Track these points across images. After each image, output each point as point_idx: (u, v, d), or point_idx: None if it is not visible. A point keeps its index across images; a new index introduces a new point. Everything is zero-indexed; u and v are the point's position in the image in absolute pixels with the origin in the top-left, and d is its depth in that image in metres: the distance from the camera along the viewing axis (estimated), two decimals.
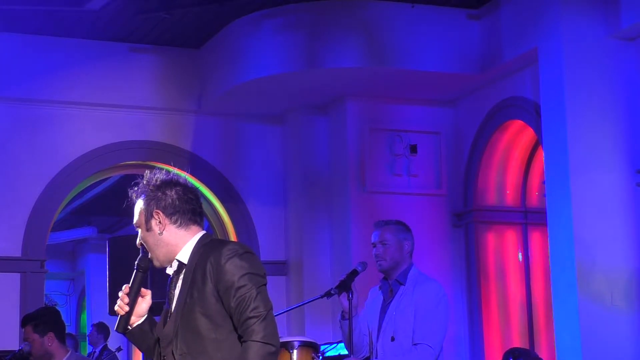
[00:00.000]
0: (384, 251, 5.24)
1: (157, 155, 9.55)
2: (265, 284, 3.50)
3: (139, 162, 9.58)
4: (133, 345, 11.84)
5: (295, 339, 5.22)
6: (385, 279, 5.33)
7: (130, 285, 3.58)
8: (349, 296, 5.09)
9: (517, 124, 8.97)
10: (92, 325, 12.16)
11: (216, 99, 9.35)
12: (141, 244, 3.63)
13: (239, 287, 3.42)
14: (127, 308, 3.57)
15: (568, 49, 7.73)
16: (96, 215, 15.50)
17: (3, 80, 9.04)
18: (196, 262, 3.52)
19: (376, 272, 5.42)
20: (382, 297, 5.32)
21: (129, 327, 3.61)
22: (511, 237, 9.28)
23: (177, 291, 3.56)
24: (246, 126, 9.84)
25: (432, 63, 8.69)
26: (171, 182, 3.62)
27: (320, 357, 5.25)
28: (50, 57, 9.20)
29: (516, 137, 9.19)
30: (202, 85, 9.57)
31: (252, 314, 3.39)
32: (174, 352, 3.51)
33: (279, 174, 9.86)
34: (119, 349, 11.00)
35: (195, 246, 3.57)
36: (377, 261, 5.27)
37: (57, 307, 12.15)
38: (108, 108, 9.39)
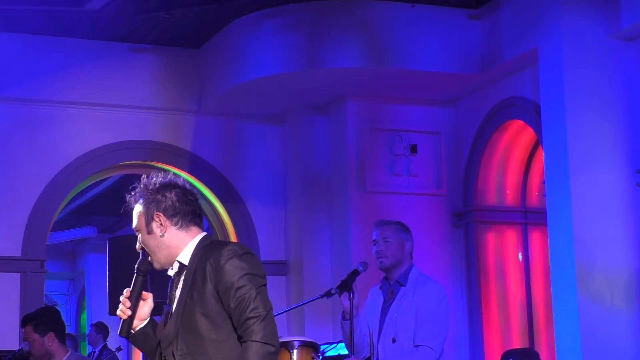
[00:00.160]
0: (386, 248, 5.24)
1: (157, 155, 9.55)
2: (265, 285, 3.51)
3: (139, 162, 9.58)
4: (133, 346, 11.81)
5: (295, 339, 5.23)
6: (385, 278, 5.33)
7: (131, 289, 3.59)
8: (350, 296, 5.09)
9: (517, 124, 8.97)
10: (91, 325, 12.16)
11: (216, 99, 9.35)
12: (141, 248, 3.63)
13: (239, 288, 3.43)
14: (129, 312, 3.58)
15: (568, 49, 7.73)
16: (96, 215, 15.50)
17: (3, 80, 9.04)
18: (196, 264, 3.53)
19: (376, 272, 5.42)
20: (382, 298, 5.32)
21: (132, 331, 3.62)
22: (511, 237, 9.28)
23: (178, 292, 3.57)
24: (246, 126, 9.84)
25: (432, 63, 8.69)
26: (170, 184, 3.63)
27: (320, 357, 5.25)
28: (50, 57, 9.20)
29: (516, 137, 9.19)
30: (202, 85, 9.57)
31: (251, 314, 3.40)
32: (175, 352, 3.52)
33: (279, 174, 9.86)
34: (118, 349, 11.00)
35: (195, 247, 3.58)
36: (378, 258, 5.27)
37: (57, 307, 12.16)
38: (108, 108, 9.39)
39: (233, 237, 9.70)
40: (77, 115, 9.32)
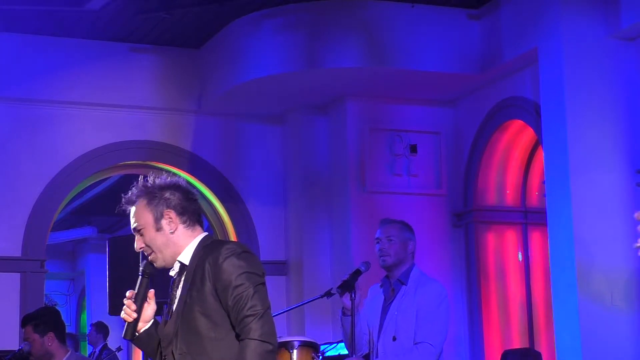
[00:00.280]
0: (389, 247, 5.26)
1: (157, 155, 9.55)
2: (263, 283, 3.52)
3: (139, 162, 9.58)
4: (133, 345, 11.83)
5: (295, 339, 5.23)
6: (386, 277, 5.35)
7: (136, 291, 3.59)
8: (351, 296, 5.10)
9: (517, 124, 8.97)
10: (91, 325, 12.16)
11: (216, 99, 9.35)
12: (141, 248, 3.62)
13: (237, 286, 3.44)
14: (134, 315, 3.58)
15: (568, 49, 7.73)
16: (96, 215, 15.50)
17: (3, 80, 9.04)
18: (196, 263, 3.54)
19: (376, 271, 5.42)
20: (382, 296, 5.33)
21: (137, 333, 3.61)
22: (511, 237, 9.28)
23: (178, 292, 3.58)
24: (246, 126, 9.84)
25: (432, 63, 8.69)
26: (175, 184, 3.66)
27: (320, 357, 5.26)
28: (50, 57, 9.20)
29: (516, 137, 9.19)
30: (202, 85, 9.57)
31: (249, 313, 3.41)
32: (174, 351, 3.53)
33: (279, 174, 9.86)
34: (118, 349, 11.00)
35: (196, 247, 3.60)
36: (380, 256, 5.28)
37: (57, 307, 12.16)
38: (108, 108, 9.39)
39: (233, 237, 9.70)
40: (77, 115, 9.32)
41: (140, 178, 3.67)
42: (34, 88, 9.13)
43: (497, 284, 9.14)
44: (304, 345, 5.20)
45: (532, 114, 8.44)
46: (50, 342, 5.74)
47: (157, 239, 3.58)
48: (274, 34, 8.72)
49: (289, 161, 9.76)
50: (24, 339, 5.85)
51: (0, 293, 8.89)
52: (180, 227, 3.59)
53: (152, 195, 3.60)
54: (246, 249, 3.57)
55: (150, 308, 3.63)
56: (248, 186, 9.80)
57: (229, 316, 3.47)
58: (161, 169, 9.33)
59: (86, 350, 14.37)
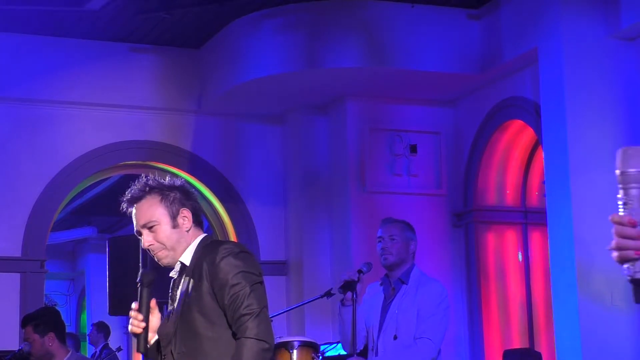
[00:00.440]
0: (391, 245, 5.28)
1: (157, 155, 9.55)
2: (260, 282, 3.53)
3: (139, 162, 9.58)
4: (133, 346, 11.83)
5: (295, 339, 5.24)
6: (386, 276, 5.36)
7: (139, 302, 3.57)
8: (353, 296, 5.12)
9: (517, 124, 8.97)
10: (92, 325, 12.18)
11: (216, 99, 9.35)
12: (150, 246, 3.60)
13: (233, 285, 3.45)
14: (143, 324, 3.56)
15: (568, 49, 7.73)
16: (96, 215, 15.50)
17: (3, 80, 9.04)
18: (195, 263, 3.55)
19: (375, 270, 5.43)
20: (382, 295, 5.34)
21: (148, 345, 3.60)
22: (511, 237, 9.28)
23: (179, 292, 3.59)
24: (246, 126, 9.84)
25: (432, 63, 8.69)
26: (180, 185, 3.69)
27: (320, 357, 5.26)
28: (50, 57, 9.20)
29: (516, 137, 9.19)
30: (202, 85, 9.57)
31: (245, 311, 3.42)
32: (173, 351, 3.54)
33: (279, 174, 9.86)
34: (119, 349, 11.00)
35: (197, 248, 3.61)
36: (382, 255, 5.29)
37: (57, 307, 12.15)
38: (108, 108, 9.39)
39: (233, 237, 9.70)
40: (77, 115, 9.32)
41: (143, 176, 3.68)
42: (34, 88, 9.13)
43: (497, 284, 9.15)
44: (304, 345, 5.20)
45: (532, 114, 8.44)
46: (50, 342, 5.74)
47: (172, 236, 3.58)
48: (274, 34, 8.72)
49: (289, 161, 9.76)
50: (24, 339, 5.86)
51: (0, 293, 8.89)
52: (192, 225, 3.61)
53: (164, 192, 3.60)
54: (244, 248, 3.59)
55: (155, 317, 3.62)
56: (248, 186, 9.80)
57: (225, 315, 3.48)
58: (161, 169, 9.33)
59: (86, 350, 14.38)
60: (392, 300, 5.26)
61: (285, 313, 8.03)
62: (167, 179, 3.69)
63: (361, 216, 9.02)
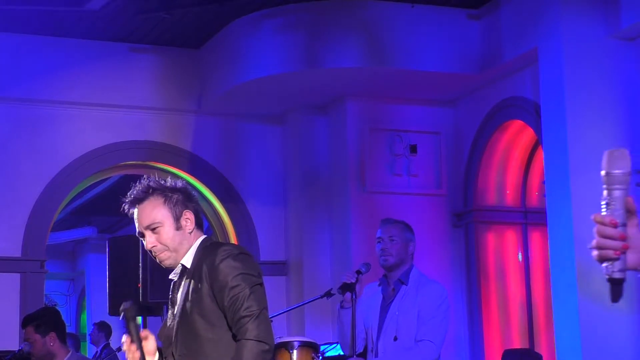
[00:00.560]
0: (391, 246, 5.28)
1: (157, 156, 9.55)
2: (259, 284, 3.52)
3: (139, 162, 9.58)
4: None
5: (295, 339, 5.24)
6: (385, 276, 5.36)
7: (129, 336, 3.47)
8: (352, 297, 5.12)
9: (517, 124, 8.97)
10: (94, 324, 12.18)
11: (216, 99, 9.35)
12: (153, 247, 3.58)
13: (233, 287, 3.45)
14: (139, 354, 3.50)
15: (568, 49, 7.73)
16: (96, 215, 15.50)
17: (3, 80, 9.04)
18: (195, 265, 3.55)
19: (373, 270, 5.42)
20: (381, 295, 5.34)
21: None
22: (511, 237, 9.28)
23: (179, 294, 3.59)
24: (246, 126, 9.84)
25: (432, 63, 8.69)
26: (181, 187, 3.68)
27: (320, 357, 5.26)
28: (50, 57, 9.20)
29: (516, 137, 9.19)
30: (202, 85, 9.57)
31: (245, 313, 3.42)
32: (174, 353, 3.54)
33: (279, 174, 9.86)
34: (119, 349, 10.97)
35: (197, 250, 3.60)
36: (381, 256, 5.29)
37: (57, 307, 12.15)
38: (108, 108, 9.38)
39: (233, 238, 9.71)
40: (77, 115, 9.32)
41: (145, 177, 3.67)
42: (34, 88, 9.13)
43: (497, 284, 9.14)
44: (304, 345, 5.20)
45: (532, 114, 8.44)
46: (51, 342, 5.75)
47: (175, 237, 3.58)
48: (274, 34, 8.72)
49: (289, 161, 9.76)
50: (24, 339, 5.86)
51: (0, 293, 8.88)
52: (194, 227, 3.62)
53: (166, 194, 3.60)
54: (243, 250, 3.59)
55: (149, 343, 3.53)
56: (248, 186, 9.80)
57: (225, 317, 3.48)
58: (161, 169, 9.33)
59: (86, 350, 14.38)
60: (392, 301, 5.26)
61: (285, 313, 8.02)
62: (169, 180, 3.69)
63: (361, 216, 9.02)
